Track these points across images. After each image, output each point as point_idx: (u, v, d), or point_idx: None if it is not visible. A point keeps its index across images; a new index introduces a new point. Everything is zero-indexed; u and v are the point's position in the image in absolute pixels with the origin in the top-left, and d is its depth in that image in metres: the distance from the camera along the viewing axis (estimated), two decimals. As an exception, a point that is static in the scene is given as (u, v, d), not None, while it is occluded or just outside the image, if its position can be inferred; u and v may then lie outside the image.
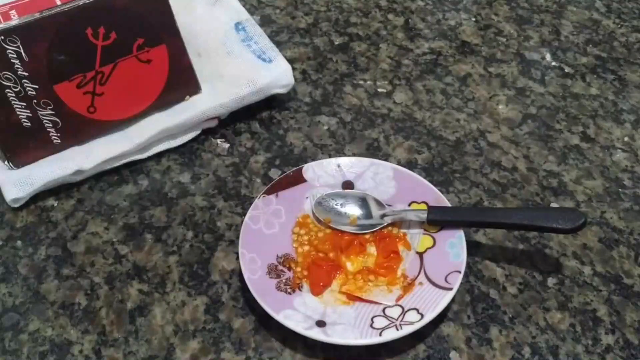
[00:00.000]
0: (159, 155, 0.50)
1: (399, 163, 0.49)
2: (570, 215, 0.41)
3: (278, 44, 0.57)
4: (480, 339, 0.40)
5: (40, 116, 0.46)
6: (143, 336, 0.40)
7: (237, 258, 0.42)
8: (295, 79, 0.54)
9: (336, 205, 0.45)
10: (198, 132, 0.51)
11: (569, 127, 0.53)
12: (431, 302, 0.38)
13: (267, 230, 0.43)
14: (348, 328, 0.38)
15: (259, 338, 0.40)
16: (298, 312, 0.39)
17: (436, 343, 0.39)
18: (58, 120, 0.47)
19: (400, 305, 0.39)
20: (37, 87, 0.45)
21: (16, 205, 0.47)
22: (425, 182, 0.45)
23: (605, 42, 0.61)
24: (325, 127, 0.53)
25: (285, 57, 0.54)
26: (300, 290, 0.41)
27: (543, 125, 0.53)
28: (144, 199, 0.48)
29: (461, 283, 0.39)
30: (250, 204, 0.44)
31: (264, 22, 0.62)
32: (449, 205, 0.43)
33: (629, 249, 0.44)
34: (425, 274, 0.41)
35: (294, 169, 0.46)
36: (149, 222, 0.46)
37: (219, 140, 0.52)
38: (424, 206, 0.44)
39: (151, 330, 0.40)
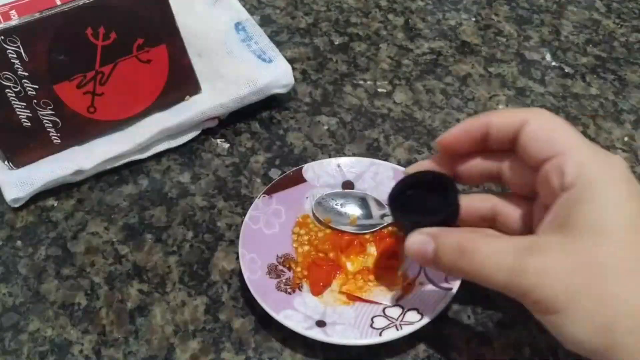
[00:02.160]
0: (159, 155, 0.50)
1: (399, 163, 0.49)
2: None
3: (278, 44, 0.57)
4: (480, 339, 0.40)
5: (40, 116, 0.46)
6: (143, 336, 0.40)
7: (237, 258, 0.42)
8: (295, 79, 0.54)
9: (336, 205, 0.45)
10: (198, 132, 0.51)
11: (569, 127, 0.53)
12: (431, 302, 0.38)
13: (267, 230, 0.43)
14: (348, 328, 0.38)
15: (259, 338, 0.40)
16: (298, 312, 0.39)
17: (436, 343, 0.39)
18: (58, 120, 0.47)
19: (400, 305, 0.39)
20: (37, 87, 0.45)
21: (16, 205, 0.47)
22: (425, 182, 0.45)
23: (605, 42, 0.61)
24: (325, 127, 0.53)
25: (285, 57, 0.54)
26: (300, 290, 0.41)
27: (543, 125, 0.52)
28: (144, 199, 0.48)
29: (461, 283, 0.39)
30: (250, 204, 0.44)
31: (264, 22, 0.62)
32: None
33: (629, 249, 0.44)
34: (425, 274, 0.41)
35: (294, 169, 0.46)
36: (149, 222, 0.46)
37: (219, 140, 0.52)
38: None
39: (151, 330, 0.40)
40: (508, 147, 0.34)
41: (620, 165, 0.31)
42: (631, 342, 0.28)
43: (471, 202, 0.37)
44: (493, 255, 0.31)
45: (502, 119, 0.34)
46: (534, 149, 0.33)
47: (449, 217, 0.35)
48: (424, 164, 0.38)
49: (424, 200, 0.37)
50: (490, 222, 0.37)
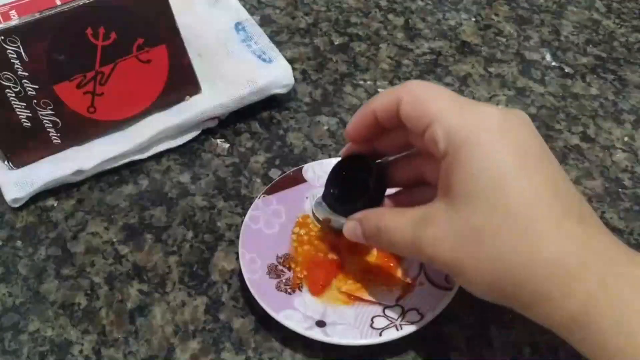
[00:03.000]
0: (159, 155, 0.50)
1: (399, 163, 0.49)
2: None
3: (278, 44, 0.57)
4: (480, 339, 0.40)
5: (40, 116, 0.46)
6: (143, 336, 0.40)
7: (237, 258, 0.42)
8: (295, 79, 0.54)
9: (336, 205, 0.45)
10: (198, 132, 0.51)
11: (569, 127, 0.53)
12: (431, 302, 0.38)
13: (267, 230, 0.43)
14: (348, 328, 0.38)
15: (259, 338, 0.40)
16: (298, 312, 0.39)
17: (436, 343, 0.39)
18: (58, 120, 0.47)
19: (400, 306, 0.39)
20: (37, 87, 0.45)
21: (16, 205, 0.47)
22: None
23: (605, 42, 0.61)
24: (325, 127, 0.53)
25: (285, 57, 0.54)
26: (300, 290, 0.41)
27: (543, 125, 0.52)
28: (144, 199, 0.48)
29: (461, 283, 0.39)
30: (250, 204, 0.44)
31: (264, 22, 0.62)
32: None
33: (629, 249, 0.44)
34: (425, 274, 0.41)
35: (294, 169, 0.46)
36: (149, 222, 0.46)
37: (219, 140, 0.52)
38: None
39: (151, 330, 0.40)
40: (397, 124, 0.35)
41: (492, 118, 0.32)
42: (520, 293, 0.30)
43: (399, 167, 0.40)
44: (398, 231, 0.34)
45: (381, 103, 0.35)
46: (411, 125, 0.34)
47: (371, 199, 0.38)
48: (353, 147, 0.40)
49: (357, 181, 0.39)
50: (421, 180, 0.39)
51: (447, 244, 0.32)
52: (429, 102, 0.33)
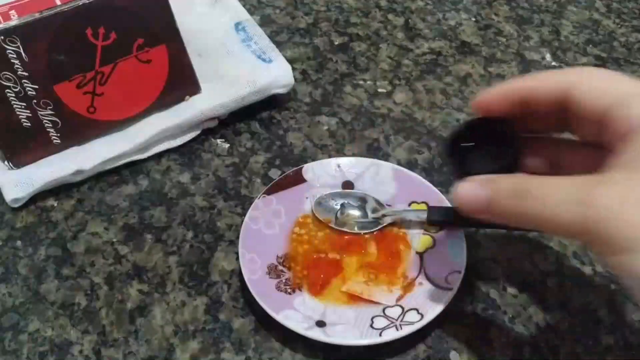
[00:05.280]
0: (159, 155, 0.50)
1: (399, 163, 0.49)
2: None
3: (278, 44, 0.57)
4: (480, 339, 0.40)
5: (40, 116, 0.46)
6: (143, 336, 0.40)
7: (237, 258, 0.42)
8: (295, 79, 0.54)
9: (336, 205, 0.45)
10: (198, 132, 0.51)
11: (569, 127, 0.53)
12: (431, 302, 0.38)
13: (267, 231, 0.43)
14: (348, 328, 0.38)
15: (259, 338, 0.40)
16: (298, 312, 0.39)
17: (436, 343, 0.39)
18: (58, 120, 0.47)
19: (400, 306, 0.39)
20: (37, 87, 0.45)
21: (16, 205, 0.47)
22: (426, 182, 0.45)
23: (605, 42, 0.61)
24: (325, 127, 0.53)
25: (285, 57, 0.54)
26: (300, 291, 0.41)
27: (543, 125, 0.52)
28: (144, 199, 0.48)
29: (461, 283, 0.39)
30: (250, 204, 0.44)
31: (264, 22, 0.62)
32: (449, 205, 0.43)
33: (629, 249, 0.44)
34: (425, 274, 0.41)
35: (294, 169, 0.46)
36: (149, 222, 0.46)
37: (219, 140, 0.52)
38: (424, 206, 0.44)
39: (151, 331, 0.40)
40: (551, 108, 0.32)
41: None
42: None
43: (530, 151, 0.35)
44: (556, 192, 0.28)
45: (543, 83, 0.32)
46: (591, 102, 0.30)
47: (509, 164, 0.33)
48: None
49: (482, 148, 0.34)
50: (554, 166, 0.35)
51: (630, 207, 0.26)
52: (616, 81, 0.30)
